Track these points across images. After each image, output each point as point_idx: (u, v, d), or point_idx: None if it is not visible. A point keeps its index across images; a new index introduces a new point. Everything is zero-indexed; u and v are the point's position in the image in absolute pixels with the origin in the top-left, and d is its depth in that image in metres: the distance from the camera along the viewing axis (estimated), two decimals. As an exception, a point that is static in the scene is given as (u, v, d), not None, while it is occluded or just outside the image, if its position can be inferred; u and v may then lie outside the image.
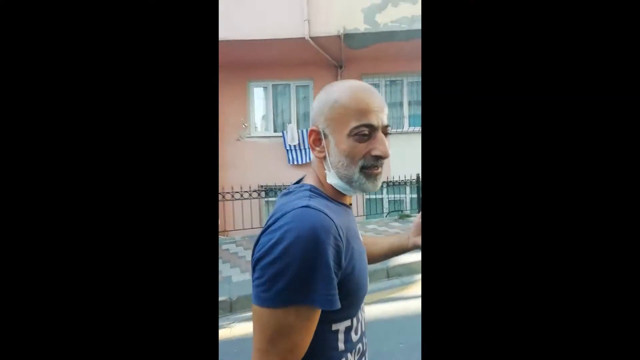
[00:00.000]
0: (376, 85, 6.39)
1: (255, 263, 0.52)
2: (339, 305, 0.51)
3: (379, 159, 0.59)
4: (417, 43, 5.00)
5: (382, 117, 0.59)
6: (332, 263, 0.50)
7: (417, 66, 6.02)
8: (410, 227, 0.82)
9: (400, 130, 6.48)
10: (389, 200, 6.24)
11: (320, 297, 0.50)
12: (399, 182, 5.83)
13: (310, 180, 0.64)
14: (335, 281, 0.52)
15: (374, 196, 6.29)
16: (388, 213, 6.11)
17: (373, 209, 6.22)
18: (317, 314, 0.52)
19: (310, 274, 0.49)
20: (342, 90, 0.60)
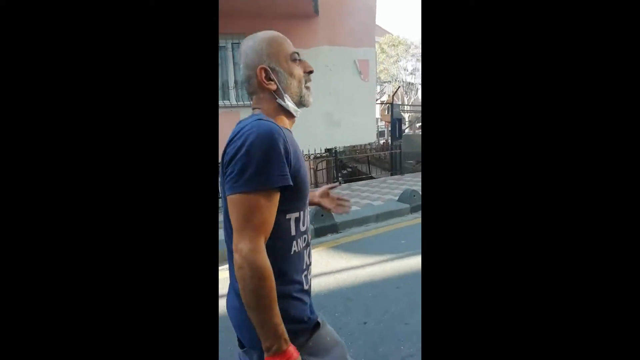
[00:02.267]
0: (222, 48, 5.71)
1: (227, 164, 0.67)
2: (290, 182, 0.68)
3: (311, 72, 0.81)
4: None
5: None
6: (283, 157, 0.67)
7: (268, 25, 5.42)
8: (319, 189, 1.09)
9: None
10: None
11: (278, 178, 0.66)
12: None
13: (257, 113, 0.77)
14: (287, 167, 0.68)
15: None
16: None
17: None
18: (277, 197, 0.68)
19: (268, 162, 0.65)
20: (265, 34, 0.78)
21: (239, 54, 0.80)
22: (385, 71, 24.30)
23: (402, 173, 7.30)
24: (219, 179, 0.73)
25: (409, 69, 25.21)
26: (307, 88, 0.81)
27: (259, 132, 0.66)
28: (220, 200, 0.77)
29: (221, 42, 5.86)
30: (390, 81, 25.45)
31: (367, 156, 7.50)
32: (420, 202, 4.63)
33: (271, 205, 0.68)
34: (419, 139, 8.60)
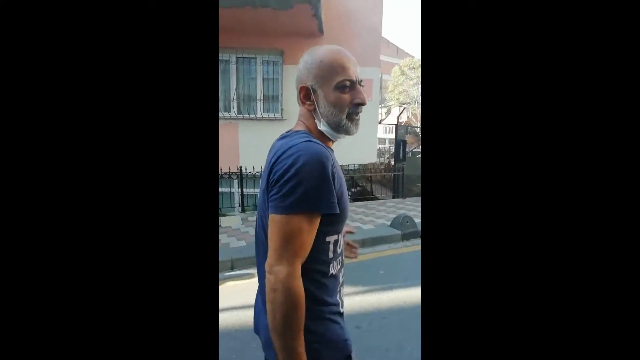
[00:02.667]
0: (226, 62, 5.90)
1: (273, 184, 0.66)
2: (338, 210, 0.67)
3: (360, 105, 0.75)
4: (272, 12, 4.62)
5: (357, 72, 0.74)
6: (331, 180, 0.65)
7: (272, 42, 5.64)
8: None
9: (254, 116, 6.06)
10: (242, 195, 5.50)
11: (326, 204, 0.65)
12: (253, 175, 5.34)
13: (300, 129, 0.77)
14: (334, 193, 0.67)
15: (222, 189, 5.81)
16: (242, 208, 5.47)
17: (224, 202, 5.66)
18: (318, 221, 0.67)
19: (318, 188, 0.64)
20: (325, 51, 0.74)
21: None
22: (405, 93, 24.33)
23: (404, 196, 7.03)
24: (259, 196, 0.75)
25: (428, 91, 25.15)
26: (350, 118, 0.76)
27: (309, 154, 0.66)
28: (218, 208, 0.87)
29: (225, 56, 5.98)
30: (409, 103, 25.46)
31: (370, 176, 7.28)
32: (413, 229, 4.42)
33: (312, 230, 0.67)
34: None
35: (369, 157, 6.89)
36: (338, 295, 0.79)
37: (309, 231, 0.66)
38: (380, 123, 7.46)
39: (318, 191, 0.65)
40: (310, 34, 5.89)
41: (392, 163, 7.46)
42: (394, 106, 27.31)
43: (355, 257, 1.03)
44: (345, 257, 0.97)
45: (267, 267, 0.65)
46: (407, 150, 7.15)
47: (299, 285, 0.64)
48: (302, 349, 0.64)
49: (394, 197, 7.07)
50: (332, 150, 0.78)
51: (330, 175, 0.66)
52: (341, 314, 0.79)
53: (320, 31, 5.87)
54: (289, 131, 0.79)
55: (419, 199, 6.89)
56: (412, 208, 5.84)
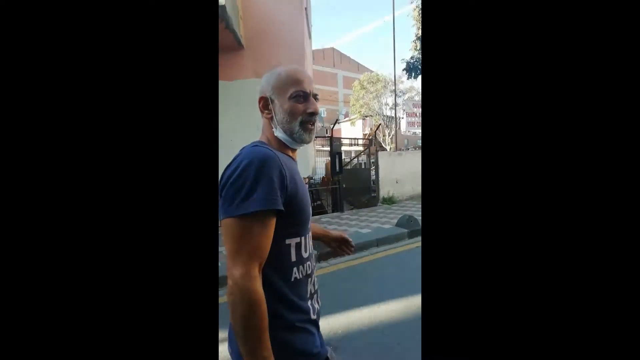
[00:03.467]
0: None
1: (221, 190, 0.69)
2: (280, 206, 0.68)
3: (313, 115, 0.80)
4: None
5: (312, 87, 0.81)
6: (275, 180, 0.68)
7: None
8: (337, 231, 1.11)
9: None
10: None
11: (266, 199, 0.66)
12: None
13: (259, 139, 0.82)
14: (278, 192, 0.68)
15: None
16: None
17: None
18: (271, 221, 0.68)
19: (258, 185, 0.66)
20: (284, 68, 0.80)
21: None
22: (366, 106, 24.79)
23: (342, 210, 6.81)
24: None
25: (389, 103, 25.89)
26: (303, 127, 0.79)
27: (252, 156, 0.68)
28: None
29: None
30: (371, 115, 25.97)
31: (314, 190, 7.02)
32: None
33: (264, 229, 0.67)
34: (363, 173, 8.19)
35: (304, 171, 6.68)
36: (309, 302, 0.78)
37: (261, 232, 0.66)
38: (315, 137, 7.26)
39: (261, 188, 0.66)
40: (229, 47, 5.68)
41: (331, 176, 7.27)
42: (357, 119, 27.81)
43: (350, 253, 1.10)
44: (343, 252, 1.08)
45: (227, 273, 0.65)
46: (342, 163, 6.98)
47: (255, 285, 0.64)
48: (267, 352, 0.63)
49: (333, 210, 6.84)
50: (293, 158, 0.82)
51: (278, 173, 0.68)
52: (312, 321, 0.78)
53: (240, 44, 5.68)
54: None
55: (356, 212, 6.71)
56: (355, 221, 5.61)
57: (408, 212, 5.80)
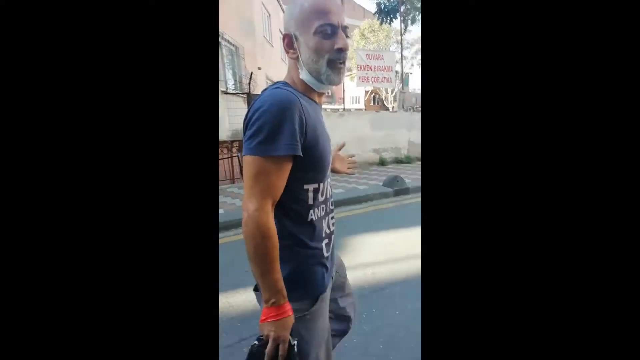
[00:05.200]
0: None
1: (244, 126, 0.70)
2: (297, 151, 0.68)
3: (341, 51, 0.72)
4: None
5: (341, 18, 0.72)
6: (296, 127, 0.67)
7: None
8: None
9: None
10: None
11: (285, 146, 0.66)
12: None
13: (284, 80, 0.78)
14: (298, 138, 0.67)
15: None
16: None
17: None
18: (287, 164, 0.69)
19: (277, 131, 0.65)
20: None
21: None
22: (366, 59, 22.70)
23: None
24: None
25: (397, 57, 23.57)
26: (332, 66, 0.73)
27: (273, 100, 0.66)
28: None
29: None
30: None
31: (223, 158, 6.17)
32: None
33: (279, 172, 0.67)
34: None
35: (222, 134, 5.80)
36: (324, 242, 0.80)
37: (275, 173, 0.67)
38: (225, 93, 6.23)
39: (278, 134, 0.65)
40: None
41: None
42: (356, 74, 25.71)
43: (352, 172, 1.15)
44: (349, 172, 1.12)
45: (242, 205, 0.68)
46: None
47: (268, 219, 0.66)
48: (277, 275, 0.67)
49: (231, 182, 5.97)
50: (318, 103, 0.79)
51: (297, 119, 0.66)
52: (324, 260, 0.80)
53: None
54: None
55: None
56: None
57: (352, 185, 4.98)
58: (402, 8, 9.06)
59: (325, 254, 0.79)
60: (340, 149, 1.10)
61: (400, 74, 24.56)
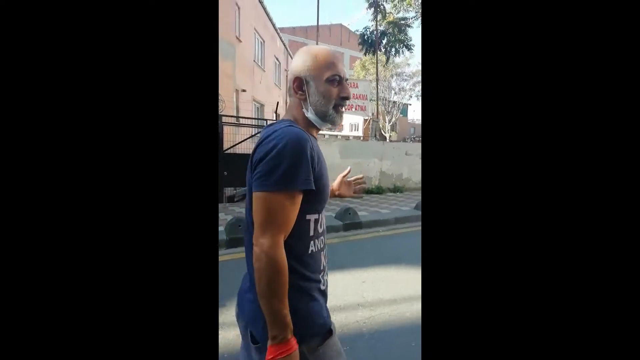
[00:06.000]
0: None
1: (256, 163, 0.71)
2: (312, 186, 0.72)
3: (345, 99, 0.81)
4: None
5: (344, 71, 0.82)
6: (309, 163, 0.71)
7: None
8: (335, 181, 1.13)
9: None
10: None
11: (304, 181, 0.70)
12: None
13: (286, 118, 0.82)
14: (312, 172, 0.72)
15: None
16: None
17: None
18: (300, 198, 0.71)
19: (296, 166, 0.69)
20: (320, 49, 0.82)
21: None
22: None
23: (222, 201, 5.89)
24: (247, 176, 0.76)
25: (395, 87, 23.99)
26: (337, 110, 0.81)
27: (290, 137, 0.69)
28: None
29: None
30: (373, 99, 24.29)
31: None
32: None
33: (294, 206, 0.70)
34: (241, 159, 7.10)
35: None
36: (321, 275, 0.81)
37: (291, 207, 0.69)
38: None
39: (296, 169, 0.68)
40: None
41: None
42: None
43: (361, 197, 1.20)
44: (357, 195, 1.16)
45: (253, 240, 0.69)
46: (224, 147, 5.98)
47: (282, 254, 0.68)
48: (287, 310, 0.68)
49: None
50: (315, 138, 0.84)
51: (309, 155, 0.70)
52: (322, 292, 0.81)
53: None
54: (275, 121, 0.82)
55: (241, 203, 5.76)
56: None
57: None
58: (384, 40, 9.28)
59: (322, 287, 0.82)
60: (346, 175, 1.14)
61: (397, 104, 24.81)
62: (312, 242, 0.77)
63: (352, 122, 28.46)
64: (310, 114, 0.79)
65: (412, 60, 22.81)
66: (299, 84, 0.79)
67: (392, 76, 22.52)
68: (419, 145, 9.05)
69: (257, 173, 0.69)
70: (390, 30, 9.36)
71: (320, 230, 0.80)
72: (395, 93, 23.68)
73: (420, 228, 5.03)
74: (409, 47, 9.83)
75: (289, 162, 0.67)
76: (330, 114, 0.79)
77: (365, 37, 9.59)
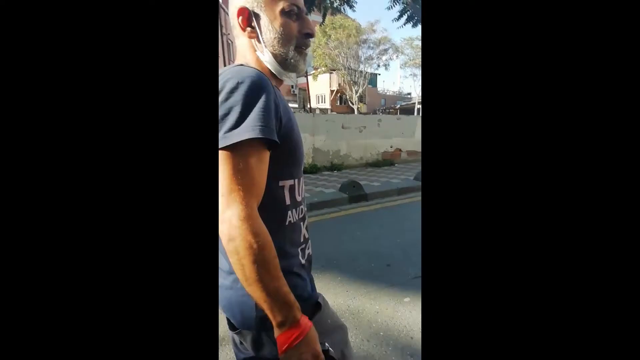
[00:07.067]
0: None
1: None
2: (275, 137, 0.56)
3: (309, 36, 0.65)
4: None
5: (302, 1, 0.65)
6: (270, 107, 0.55)
7: None
8: None
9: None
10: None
11: (260, 127, 0.54)
12: None
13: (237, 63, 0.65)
14: (273, 121, 0.56)
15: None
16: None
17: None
18: (266, 156, 0.57)
19: (249, 110, 0.54)
20: None
21: None
22: (328, 57, 21.66)
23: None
24: None
25: (361, 55, 22.70)
26: (299, 52, 0.64)
27: (240, 76, 0.55)
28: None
29: None
30: (339, 69, 22.90)
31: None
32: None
33: (260, 164, 0.55)
34: None
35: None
36: (300, 247, 0.70)
37: (257, 165, 0.55)
38: None
39: (255, 113, 0.54)
40: None
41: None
42: (320, 73, 24.69)
43: None
44: None
45: (219, 217, 0.53)
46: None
47: (260, 224, 0.53)
48: (286, 287, 0.55)
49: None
50: (278, 89, 0.67)
51: (271, 99, 0.56)
52: (303, 265, 0.70)
53: None
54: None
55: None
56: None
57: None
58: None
59: (303, 262, 0.70)
60: None
61: (364, 74, 23.63)
62: (289, 212, 0.65)
63: (318, 93, 27.10)
64: (266, 57, 0.63)
65: (377, 26, 21.41)
66: (246, 17, 0.62)
67: (357, 43, 21.17)
68: (413, 118, 8.23)
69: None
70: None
71: (298, 199, 0.67)
72: (360, 62, 22.46)
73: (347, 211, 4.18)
74: (350, 4, 8.69)
75: (242, 106, 0.53)
76: (291, 57, 0.63)
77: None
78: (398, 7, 8.60)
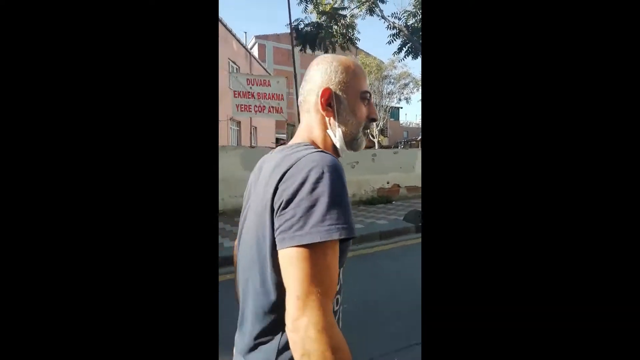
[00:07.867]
0: None
1: (283, 206, 0.52)
2: (356, 233, 0.53)
3: (374, 121, 0.67)
4: None
5: None
6: (349, 199, 0.54)
7: None
8: None
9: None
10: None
11: (348, 228, 0.50)
12: None
13: (302, 141, 0.65)
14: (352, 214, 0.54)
15: None
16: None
17: None
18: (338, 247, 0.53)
19: (339, 206, 0.50)
20: (349, 59, 0.66)
21: (308, 68, 0.68)
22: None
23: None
24: (267, 221, 0.55)
25: (382, 90, 22.89)
26: (365, 134, 0.67)
27: (324, 169, 0.52)
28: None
29: None
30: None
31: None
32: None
33: (336, 261, 0.52)
34: None
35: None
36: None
37: (336, 264, 0.51)
38: None
39: (340, 211, 0.50)
40: None
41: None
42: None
43: None
44: None
45: (289, 322, 0.48)
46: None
47: (340, 336, 0.47)
48: None
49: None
50: None
51: (347, 191, 0.55)
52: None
53: None
54: (284, 143, 0.80)
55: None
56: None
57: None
58: (322, 33, 8.24)
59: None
60: None
61: (385, 108, 23.62)
62: (336, 299, 0.60)
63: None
64: (336, 137, 0.63)
65: (398, 63, 21.73)
66: (327, 97, 0.63)
67: (378, 79, 21.45)
68: (413, 151, 7.89)
69: (286, 220, 0.50)
70: (325, 22, 8.33)
71: (342, 282, 0.63)
72: (382, 97, 22.60)
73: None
74: (352, 42, 8.75)
75: (328, 201, 0.49)
76: (358, 138, 0.65)
77: (300, 29, 8.50)
78: (398, 42, 8.56)
